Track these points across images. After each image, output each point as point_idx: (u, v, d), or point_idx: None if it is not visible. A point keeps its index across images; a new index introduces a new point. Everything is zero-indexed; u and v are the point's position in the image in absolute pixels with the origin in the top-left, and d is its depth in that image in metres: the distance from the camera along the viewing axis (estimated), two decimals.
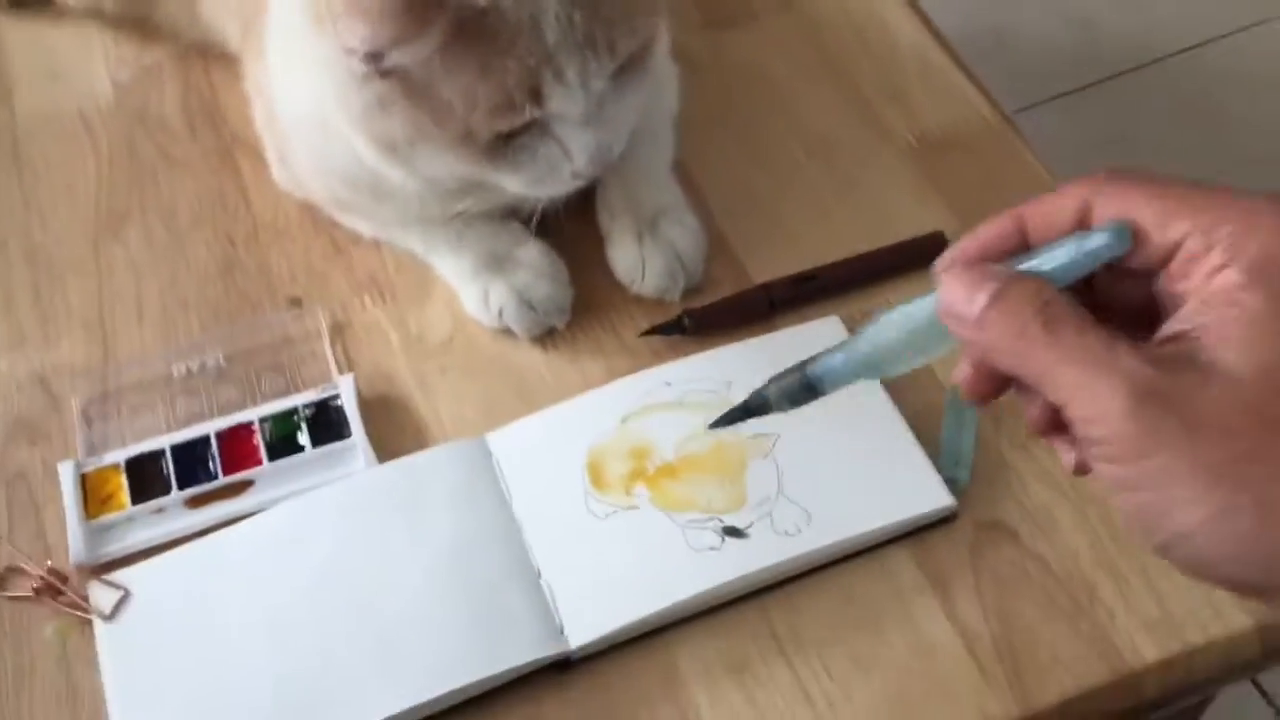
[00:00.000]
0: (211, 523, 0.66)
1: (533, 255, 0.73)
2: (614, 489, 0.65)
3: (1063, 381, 0.39)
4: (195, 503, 0.67)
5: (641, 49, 0.63)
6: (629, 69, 0.63)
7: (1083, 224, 0.41)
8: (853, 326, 0.72)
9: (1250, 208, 0.39)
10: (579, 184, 0.66)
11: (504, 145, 0.62)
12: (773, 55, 0.88)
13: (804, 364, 0.47)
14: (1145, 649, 0.60)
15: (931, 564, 0.64)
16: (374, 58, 0.58)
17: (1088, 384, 0.38)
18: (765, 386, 0.48)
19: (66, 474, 0.67)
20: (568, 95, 0.60)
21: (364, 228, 0.78)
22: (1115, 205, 0.41)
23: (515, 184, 0.65)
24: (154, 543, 0.66)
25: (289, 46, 0.69)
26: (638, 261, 0.73)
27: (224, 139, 0.85)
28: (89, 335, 0.75)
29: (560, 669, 0.61)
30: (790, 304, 0.74)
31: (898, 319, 0.44)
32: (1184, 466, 0.37)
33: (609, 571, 0.63)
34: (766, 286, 0.74)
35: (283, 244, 0.80)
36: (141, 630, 0.62)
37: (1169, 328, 0.39)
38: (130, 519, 0.66)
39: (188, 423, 0.70)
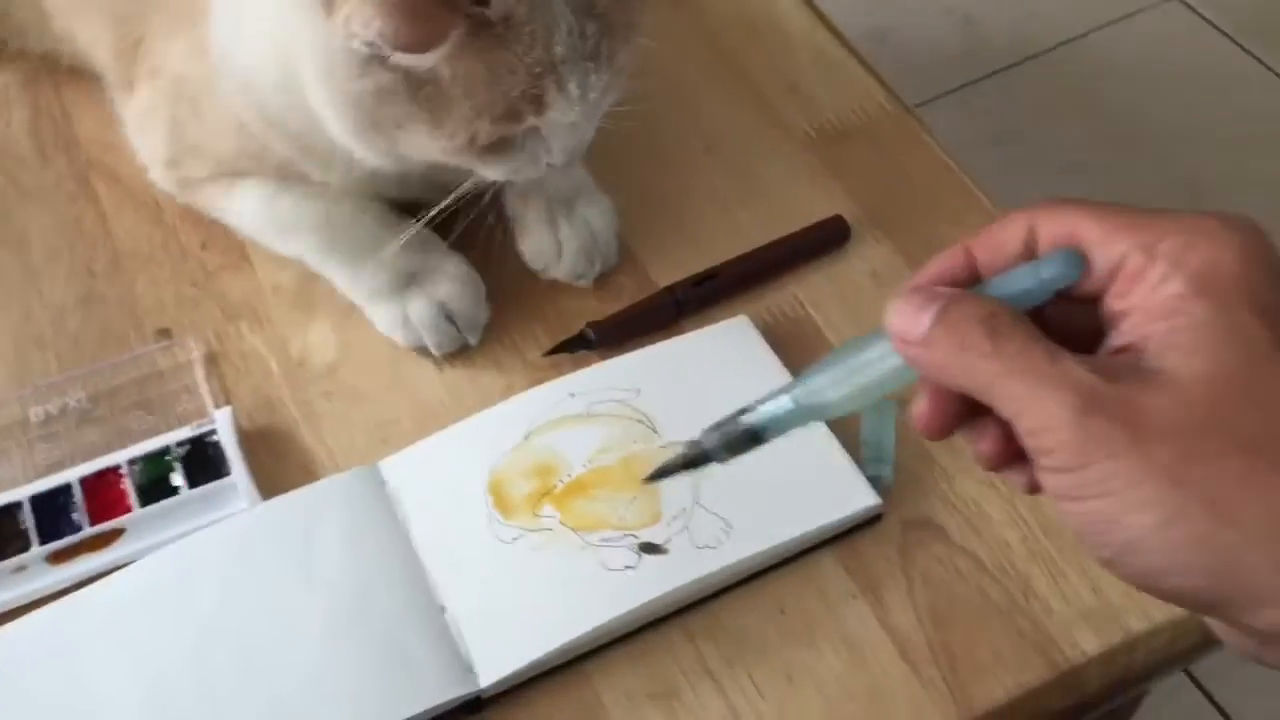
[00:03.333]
0: (78, 578, 0.60)
1: (456, 267, 0.70)
2: (520, 510, 0.61)
3: (1009, 393, 0.39)
4: (59, 558, 0.61)
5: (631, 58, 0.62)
6: (617, 73, 0.62)
7: (1029, 251, 0.42)
8: (761, 323, 0.69)
9: (1191, 223, 0.39)
10: (548, 172, 0.64)
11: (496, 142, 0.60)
12: (666, 51, 0.84)
13: (743, 411, 0.46)
14: (1085, 642, 0.58)
15: (860, 568, 0.60)
16: (381, 51, 0.55)
17: (1034, 395, 0.38)
18: (703, 436, 0.47)
19: None
20: (567, 105, 0.59)
21: (285, 247, 0.72)
22: (1059, 229, 0.41)
23: (493, 173, 0.63)
24: (14, 604, 0.60)
25: (250, 5, 0.64)
26: (554, 245, 0.71)
27: (79, 164, 0.79)
28: None
29: (471, 709, 0.56)
30: (696, 305, 0.70)
31: (843, 359, 0.44)
32: (1132, 471, 0.37)
33: (519, 600, 0.58)
34: (671, 289, 0.70)
35: (148, 272, 0.74)
36: (2, 702, 0.56)
37: (1113, 341, 0.40)
38: None
39: (48, 471, 0.64)
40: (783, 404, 0.45)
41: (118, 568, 0.60)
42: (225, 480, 0.63)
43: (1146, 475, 0.36)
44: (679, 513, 0.60)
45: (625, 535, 0.60)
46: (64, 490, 0.63)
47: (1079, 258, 0.40)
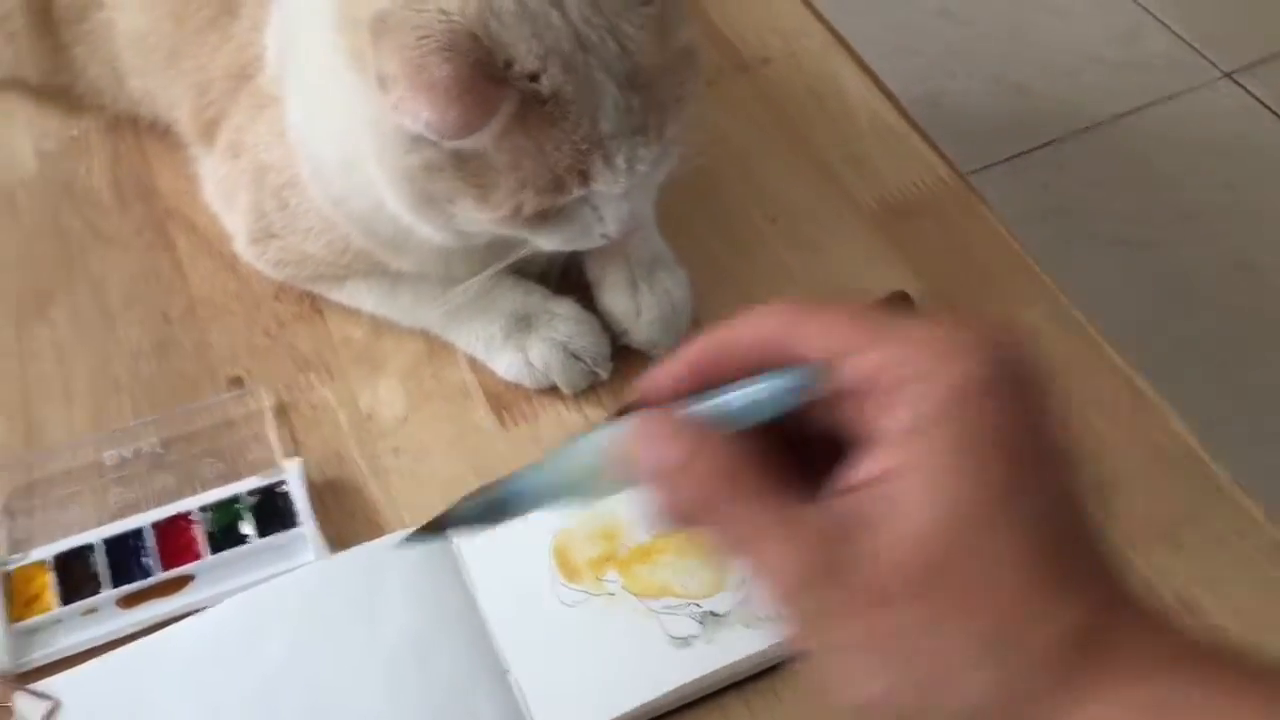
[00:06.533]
0: (148, 623, 0.61)
1: (568, 308, 0.72)
2: (584, 575, 0.61)
3: (743, 553, 0.38)
4: (130, 602, 0.62)
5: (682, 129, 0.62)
6: (668, 144, 0.62)
7: (771, 355, 0.40)
8: None
9: (919, 344, 0.37)
10: (605, 243, 0.64)
11: (543, 213, 0.61)
12: (730, 121, 0.86)
13: (497, 483, 0.45)
14: None
15: None
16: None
17: (764, 559, 0.37)
18: (457, 504, 0.46)
19: None
20: (614, 178, 0.59)
21: (367, 302, 0.74)
22: (806, 336, 0.39)
23: (546, 244, 0.64)
24: (85, 647, 0.61)
25: (317, 86, 0.66)
26: (633, 310, 0.72)
27: (156, 212, 0.81)
28: (11, 422, 0.70)
29: None
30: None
31: (592, 445, 0.42)
32: (856, 640, 0.36)
33: (582, 665, 0.59)
34: None
35: (222, 321, 0.75)
36: None
37: (852, 474, 0.38)
38: (58, 621, 0.61)
39: (121, 514, 0.65)
40: (528, 478, 0.44)
41: (187, 614, 0.61)
42: (294, 531, 0.64)
43: (869, 645, 0.36)
44: (743, 582, 0.61)
45: (689, 604, 0.60)
46: (136, 534, 0.64)
47: (820, 371, 0.39)
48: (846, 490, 0.37)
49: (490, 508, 0.45)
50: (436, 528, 0.48)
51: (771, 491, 0.38)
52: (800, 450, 0.40)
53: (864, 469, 0.37)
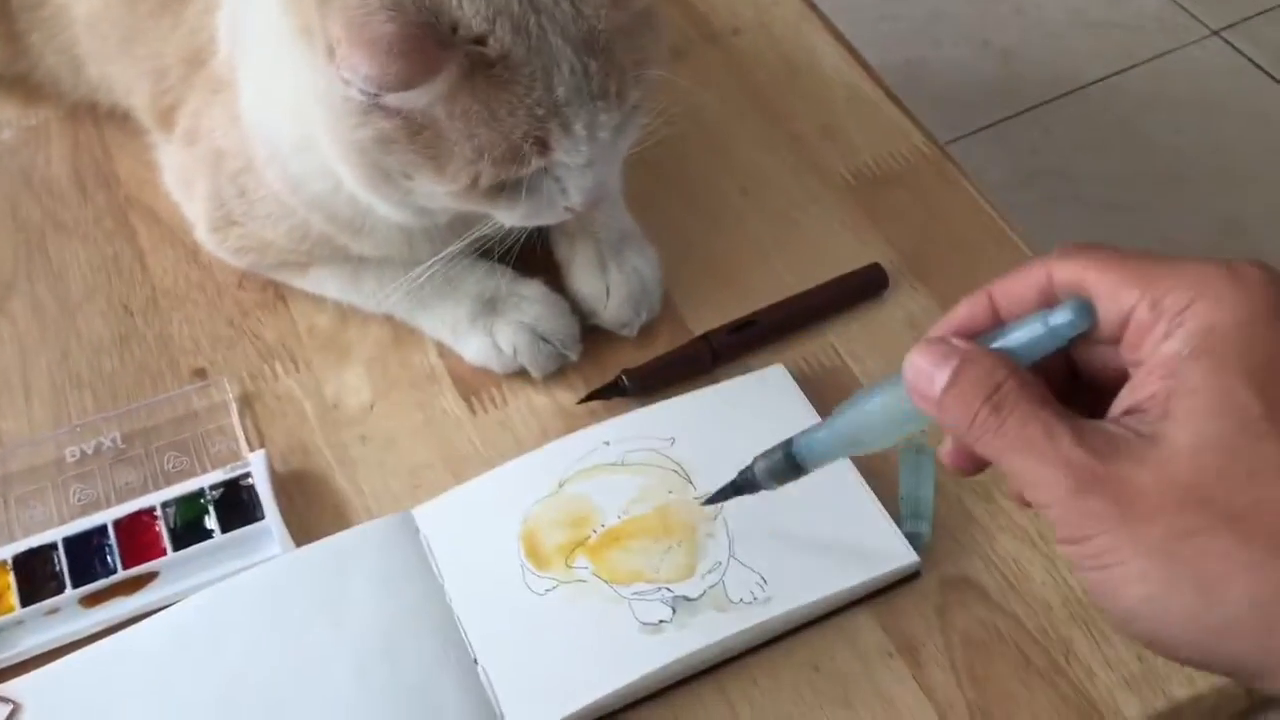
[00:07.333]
0: (111, 622, 0.60)
1: (535, 290, 0.70)
2: (553, 561, 0.60)
3: (1013, 468, 0.40)
4: (92, 601, 0.61)
5: (645, 95, 0.61)
6: (630, 112, 0.60)
7: (1046, 299, 0.43)
8: (797, 372, 0.68)
9: (1197, 276, 0.39)
10: (569, 216, 0.63)
11: (503, 184, 0.59)
12: (700, 93, 0.84)
13: (788, 442, 0.52)
14: (1128, 707, 0.57)
15: (898, 627, 0.59)
16: (374, 95, 0.55)
17: (1033, 472, 0.40)
18: (752, 464, 0.53)
19: None
20: (573, 146, 0.58)
21: (331, 288, 0.73)
22: (1072, 278, 0.42)
23: (509, 218, 0.62)
24: (47, 648, 0.60)
25: (268, 67, 0.64)
26: (602, 290, 0.70)
27: (118, 201, 0.80)
28: None
29: None
30: (732, 352, 0.70)
31: (877, 398, 0.46)
32: (1124, 547, 0.38)
33: (552, 654, 0.58)
34: (706, 337, 0.70)
35: (185, 311, 0.74)
36: None
37: (1121, 401, 0.40)
38: (19, 622, 0.60)
39: (83, 512, 0.64)
40: (821, 434, 0.50)
41: (151, 611, 0.60)
42: (259, 524, 0.63)
43: (1137, 552, 0.38)
44: (714, 566, 0.60)
45: (659, 588, 0.59)
46: (98, 532, 0.63)
47: (1088, 308, 0.41)
48: (1122, 413, 0.40)
49: (787, 466, 0.52)
50: (735, 490, 0.55)
51: (1040, 406, 0.40)
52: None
53: (1141, 389, 0.39)
